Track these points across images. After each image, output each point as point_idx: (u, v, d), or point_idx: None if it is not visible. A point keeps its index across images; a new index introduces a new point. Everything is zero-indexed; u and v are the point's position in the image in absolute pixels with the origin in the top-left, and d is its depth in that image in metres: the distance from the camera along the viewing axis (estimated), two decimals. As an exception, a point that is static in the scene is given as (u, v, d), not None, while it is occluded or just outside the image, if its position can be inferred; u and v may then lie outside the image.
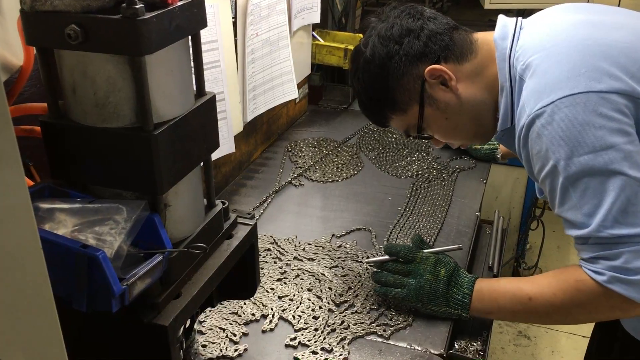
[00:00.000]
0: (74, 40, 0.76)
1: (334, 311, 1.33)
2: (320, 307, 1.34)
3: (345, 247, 1.57)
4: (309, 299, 1.37)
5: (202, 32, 1.51)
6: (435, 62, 1.23)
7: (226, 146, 1.72)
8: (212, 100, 0.94)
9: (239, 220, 1.08)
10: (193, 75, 0.92)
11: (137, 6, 0.74)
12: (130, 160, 0.82)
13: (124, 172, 0.83)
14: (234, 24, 1.73)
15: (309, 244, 1.57)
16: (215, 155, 1.67)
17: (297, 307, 1.34)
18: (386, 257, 1.36)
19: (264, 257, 1.52)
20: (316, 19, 2.25)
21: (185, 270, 0.91)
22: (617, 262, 1.02)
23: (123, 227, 0.80)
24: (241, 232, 1.07)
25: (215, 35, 1.59)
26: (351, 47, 2.30)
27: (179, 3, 0.82)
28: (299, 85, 2.35)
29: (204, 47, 1.55)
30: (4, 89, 1.00)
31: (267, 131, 2.12)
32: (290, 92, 2.08)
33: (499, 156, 1.96)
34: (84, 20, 0.75)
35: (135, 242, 0.84)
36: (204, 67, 1.55)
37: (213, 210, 1.00)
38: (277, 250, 1.55)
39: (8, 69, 0.99)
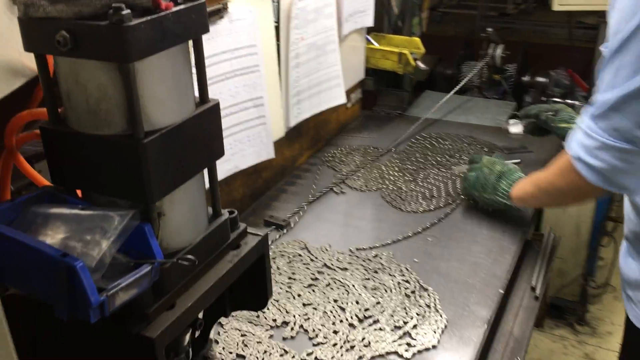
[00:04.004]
0: (64, 47, 0.75)
1: (355, 326, 1.28)
2: (341, 321, 1.30)
3: (380, 258, 1.51)
4: (332, 311, 1.33)
5: (240, 37, 1.53)
6: None
7: (264, 152, 1.70)
8: (216, 108, 0.91)
9: (249, 230, 1.05)
10: (195, 82, 0.90)
11: (123, 12, 0.72)
12: (121, 168, 0.81)
13: (115, 180, 0.82)
14: (277, 27, 1.71)
15: (343, 253, 1.53)
16: (253, 161, 1.68)
17: (320, 318, 1.31)
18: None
19: (290, 262, 1.49)
20: (369, 22, 2.20)
21: (181, 281, 0.89)
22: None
23: (109, 235, 0.79)
24: (250, 243, 1.04)
25: (254, 39, 1.57)
26: (406, 52, 2.24)
27: (175, 8, 0.80)
28: (352, 90, 2.31)
29: (241, 52, 1.55)
30: (23, 93, 1.02)
31: (314, 136, 2.09)
32: (337, 97, 2.04)
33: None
34: (73, 27, 0.75)
35: (127, 251, 0.83)
36: (241, 72, 1.57)
37: (218, 219, 0.98)
38: (307, 256, 1.52)
39: (27, 73, 1.01)
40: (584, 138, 1.18)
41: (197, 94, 0.92)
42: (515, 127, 2.24)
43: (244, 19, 1.53)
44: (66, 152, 0.84)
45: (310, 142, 2.07)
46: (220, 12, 1.45)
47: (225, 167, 1.57)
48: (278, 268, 1.49)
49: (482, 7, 3.36)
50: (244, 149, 1.62)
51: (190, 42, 0.87)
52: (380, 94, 2.50)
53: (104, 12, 0.77)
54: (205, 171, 0.95)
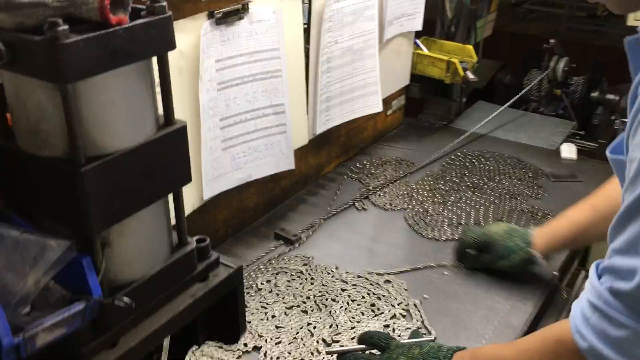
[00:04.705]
0: (0, 60, 0.68)
1: (320, 352, 1.19)
2: (304, 345, 1.21)
3: (393, 286, 1.40)
4: (302, 337, 1.24)
5: (262, 39, 1.44)
6: None
7: (284, 162, 1.60)
8: (182, 131, 0.83)
9: (223, 261, 0.97)
10: (159, 101, 0.82)
11: (59, 28, 0.65)
12: (60, 194, 0.74)
13: (55, 206, 0.76)
14: (306, 30, 1.61)
15: (351, 274, 1.44)
16: (270, 171, 1.59)
17: (290, 343, 1.22)
18: (356, 346, 1.14)
19: (290, 280, 1.41)
20: (417, 26, 2.06)
21: (126, 318, 0.82)
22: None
23: (40, 267, 0.72)
24: (221, 275, 0.95)
25: (277, 43, 1.48)
26: (455, 61, 2.08)
27: (128, 24, 0.71)
28: (394, 96, 2.18)
29: (262, 55, 1.46)
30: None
31: (345, 144, 1.98)
32: (373, 105, 1.92)
33: (539, 260, 1.36)
34: (10, 39, 0.68)
35: (65, 284, 0.77)
36: (261, 76, 1.47)
37: (183, 249, 0.90)
38: (309, 274, 1.44)
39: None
40: (602, 323, 0.78)
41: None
42: (568, 151, 2.06)
43: (267, 20, 1.44)
44: (8, 169, 0.78)
45: (340, 150, 1.96)
46: (239, 13, 1.36)
47: (236, 176, 1.49)
48: (276, 285, 1.40)
49: (570, 6, 3.12)
50: (259, 157, 1.53)
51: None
52: (427, 101, 2.35)
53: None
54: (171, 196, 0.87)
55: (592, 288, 0.81)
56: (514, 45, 2.79)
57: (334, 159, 1.95)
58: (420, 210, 1.71)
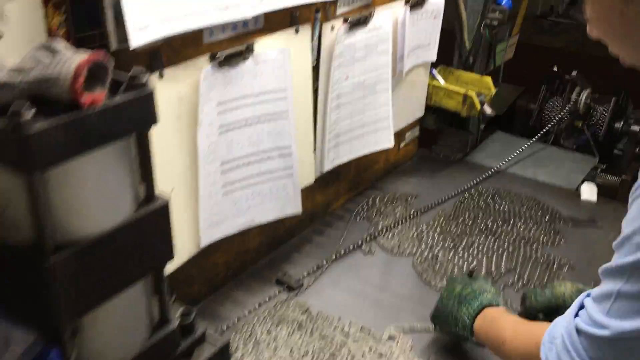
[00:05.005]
0: (-37, 142, 0.63)
1: None
2: None
3: (397, 344, 1.33)
4: None
5: (267, 80, 1.38)
6: None
7: (290, 206, 1.54)
8: (164, 208, 0.77)
9: (210, 333, 0.91)
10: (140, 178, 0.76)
11: (23, 117, 0.59)
12: (27, 283, 0.68)
13: (22, 295, 0.70)
14: (315, 67, 1.54)
15: (352, 324, 1.38)
16: (275, 216, 1.52)
17: None
18: None
19: (291, 331, 1.35)
20: (432, 57, 1.99)
21: (99, 408, 0.76)
22: None
23: (3, 363, 0.67)
24: (206, 352, 0.90)
25: (284, 83, 1.41)
26: (472, 94, 2.01)
27: (105, 104, 0.66)
28: (408, 128, 2.11)
29: (268, 97, 1.40)
30: None
31: (354, 179, 1.91)
32: (384, 140, 1.85)
33: None
34: (-25, 120, 0.62)
35: (32, 374, 0.71)
36: (267, 118, 1.41)
37: (164, 329, 0.84)
38: (309, 322, 1.38)
39: None
40: (561, 351, 0.88)
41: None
42: (589, 192, 1.97)
43: (273, 60, 1.38)
44: (-24, 251, 0.73)
45: (349, 185, 1.90)
46: (243, 54, 1.31)
47: (238, 221, 1.43)
48: (275, 339, 1.34)
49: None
50: (264, 201, 1.47)
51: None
52: (442, 133, 2.28)
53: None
54: (153, 274, 0.82)
55: (569, 316, 0.91)
56: (537, 62, 2.67)
57: (342, 195, 1.89)
58: (430, 256, 1.64)
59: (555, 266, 1.60)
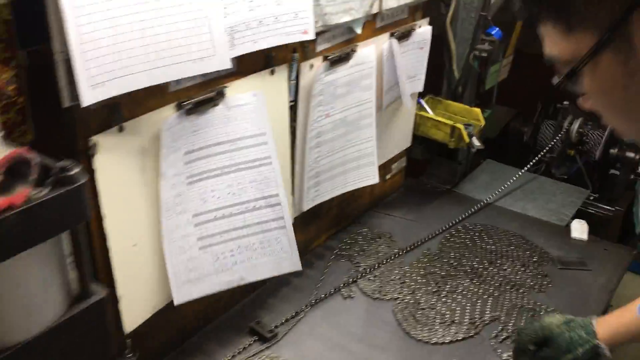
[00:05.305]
0: None
1: None
2: None
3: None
4: None
5: (242, 125, 1.31)
6: None
7: (287, 263, 1.46)
8: (100, 303, 0.71)
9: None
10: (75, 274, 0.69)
11: None
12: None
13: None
14: (293, 107, 1.48)
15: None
16: (269, 273, 1.42)
17: None
18: None
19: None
20: (419, 88, 1.93)
21: None
22: None
23: None
24: None
25: (263, 127, 1.35)
26: (460, 126, 1.94)
27: (25, 204, 0.59)
28: (395, 159, 2.05)
29: (246, 142, 1.33)
30: None
31: (336, 216, 1.85)
32: (368, 176, 1.79)
33: (606, 351, 1.22)
34: None
35: None
36: (246, 165, 1.34)
37: None
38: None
39: None
40: None
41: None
42: (579, 231, 1.91)
43: (247, 104, 1.32)
44: None
45: (331, 222, 1.84)
46: (213, 101, 1.24)
47: (223, 279, 1.34)
48: (246, 398, 1.28)
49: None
50: (253, 257, 1.39)
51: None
52: (430, 163, 2.21)
53: None
54: None
55: None
56: (533, 80, 2.59)
57: (324, 232, 1.82)
58: (412, 301, 1.58)
59: (541, 313, 1.54)
